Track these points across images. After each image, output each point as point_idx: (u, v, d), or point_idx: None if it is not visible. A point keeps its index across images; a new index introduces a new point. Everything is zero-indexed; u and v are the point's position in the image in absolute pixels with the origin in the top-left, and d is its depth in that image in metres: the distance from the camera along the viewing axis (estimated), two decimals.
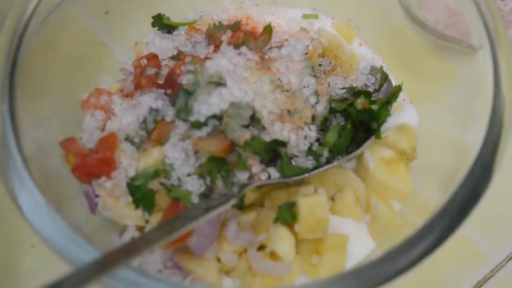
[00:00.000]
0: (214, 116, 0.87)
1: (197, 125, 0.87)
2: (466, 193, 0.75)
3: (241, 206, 0.91)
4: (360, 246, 0.96)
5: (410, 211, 0.97)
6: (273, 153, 0.92)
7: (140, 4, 1.09)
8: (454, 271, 1.04)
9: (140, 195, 0.89)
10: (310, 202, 0.90)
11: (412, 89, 1.06)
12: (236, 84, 0.88)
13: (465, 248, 1.05)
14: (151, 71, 0.96)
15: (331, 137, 0.95)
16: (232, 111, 0.87)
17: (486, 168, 0.76)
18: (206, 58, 0.95)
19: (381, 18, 1.13)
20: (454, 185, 0.76)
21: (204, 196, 0.89)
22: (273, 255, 0.90)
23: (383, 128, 0.98)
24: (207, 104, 0.87)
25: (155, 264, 0.90)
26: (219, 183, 0.89)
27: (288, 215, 0.91)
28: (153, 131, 0.92)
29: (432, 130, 1.03)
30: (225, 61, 0.91)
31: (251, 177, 0.89)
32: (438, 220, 0.73)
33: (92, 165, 0.91)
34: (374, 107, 0.96)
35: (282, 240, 0.89)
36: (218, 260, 0.92)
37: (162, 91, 0.95)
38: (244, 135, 0.87)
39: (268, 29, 1.03)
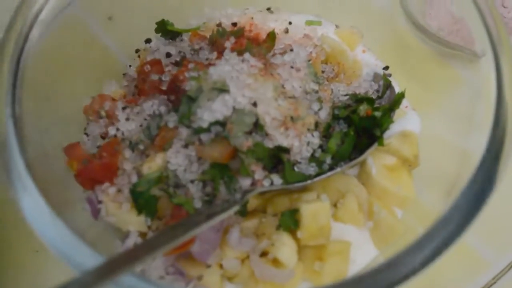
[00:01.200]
0: (217, 123, 0.87)
1: (200, 131, 0.87)
2: (469, 201, 0.75)
3: (243, 213, 0.91)
4: (363, 252, 0.96)
5: (412, 218, 0.97)
6: (276, 159, 0.92)
7: (143, 10, 1.09)
8: (457, 278, 1.03)
9: (143, 201, 0.89)
10: (313, 209, 0.90)
11: (415, 96, 1.06)
12: (239, 91, 0.88)
13: (468, 255, 1.05)
14: (154, 77, 0.96)
15: (334, 143, 0.95)
16: (235, 117, 0.87)
17: (489, 176, 0.76)
18: (210, 64, 0.95)
19: (385, 25, 1.13)
20: (456, 193, 0.76)
21: (207, 202, 0.89)
22: (276, 262, 0.89)
23: (386, 134, 0.98)
24: (210, 111, 0.87)
25: (158, 270, 0.90)
26: (222, 189, 0.89)
27: (290, 222, 0.91)
28: (156, 137, 0.92)
29: (435, 137, 1.03)
30: (228, 68, 0.91)
31: (253, 184, 0.89)
32: (441, 227, 0.73)
33: (95, 171, 0.91)
34: (377, 114, 0.96)
35: (284, 247, 0.89)
36: (221, 266, 0.92)
37: (165, 97, 0.95)
38: (247, 142, 0.87)
39: (272, 36, 1.03)
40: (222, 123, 0.87)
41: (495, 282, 1.04)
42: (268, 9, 1.17)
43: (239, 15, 1.12)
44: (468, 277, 1.04)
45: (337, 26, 1.16)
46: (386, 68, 1.12)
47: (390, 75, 1.10)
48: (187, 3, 1.13)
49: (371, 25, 1.12)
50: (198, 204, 0.88)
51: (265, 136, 0.89)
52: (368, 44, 1.15)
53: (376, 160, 0.99)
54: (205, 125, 0.87)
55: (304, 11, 1.18)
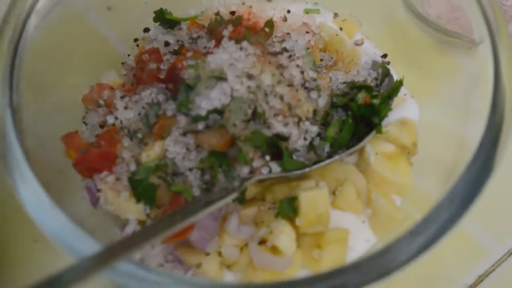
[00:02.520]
0: (215, 111, 0.87)
1: (198, 120, 0.87)
2: (467, 186, 0.75)
3: (242, 200, 0.92)
4: (361, 240, 0.97)
5: (411, 205, 0.97)
6: (275, 147, 0.92)
7: (141, 0, 1.09)
8: (455, 265, 1.04)
9: (142, 189, 0.89)
10: (311, 196, 0.90)
11: (414, 84, 1.06)
12: (237, 79, 0.88)
13: (466, 242, 1.05)
14: (152, 66, 0.96)
15: (332, 131, 0.96)
16: (233, 105, 0.87)
17: (486, 161, 0.76)
18: (208, 52, 0.95)
19: (383, 13, 1.13)
20: (455, 179, 0.77)
21: (205, 190, 0.89)
22: (274, 249, 0.90)
23: (384, 122, 0.98)
24: (208, 99, 0.87)
25: (156, 258, 0.90)
26: (220, 177, 0.89)
27: (289, 209, 0.91)
28: (154, 126, 0.92)
29: (434, 124, 1.03)
30: (226, 56, 0.91)
31: (252, 172, 0.90)
32: (439, 213, 0.74)
33: (94, 159, 0.92)
34: (375, 101, 0.96)
35: (283, 234, 0.89)
36: (220, 254, 0.92)
37: (164, 85, 0.95)
38: (245, 130, 0.87)
39: (270, 24, 1.03)
40: (220, 111, 0.87)
41: (494, 270, 1.04)
42: None
43: (237, 4, 1.12)
44: (467, 264, 1.04)
45: (335, 15, 1.16)
46: (385, 56, 1.12)
47: (388, 63, 1.10)
48: None
49: (370, 13, 1.12)
50: (196, 192, 0.88)
51: (263, 124, 0.89)
52: (367, 32, 1.15)
53: (374, 148, 1.00)
54: (203, 113, 0.87)
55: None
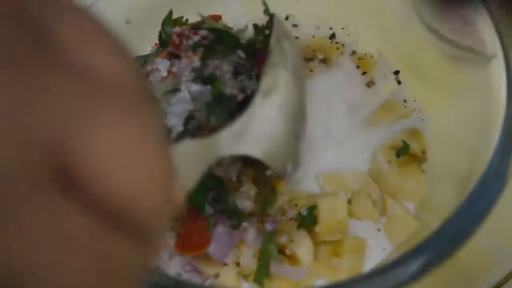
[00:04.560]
0: None
1: None
2: (481, 197, 0.76)
3: None
4: (377, 249, 0.97)
5: (425, 214, 0.98)
6: None
7: (160, 14, 1.11)
8: (467, 277, 1.04)
9: None
10: (330, 203, 0.93)
11: (427, 97, 1.07)
12: None
13: (479, 254, 1.05)
14: None
15: None
16: None
17: (499, 174, 0.77)
18: None
19: (397, 27, 1.13)
20: (468, 190, 0.78)
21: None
22: (292, 259, 0.91)
23: (394, 131, 1.03)
24: None
25: (175, 268, 0.91)
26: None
27: (310, 219, 0.93)
28: None
29: (446, 137, 1.04)
30: None
31: None
32: (451, 226, 0.75)
33: None
34: None
35: (301, 244, 0.91)
36: (237, 264, 0.93)
37: None
38: None
39: None
40: None
41: (507, 281, 1.04)
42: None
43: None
44: (479, 276, 1.04)
45: (353, 52, 1.17)
46: (397, 72, 1.13)
47: (399, 82, 1.12)
48: (204, 6, 1.14)
49: (383, 26, 1.13)
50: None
51: None
52: (380, 46, 1.16)
53: (386, 156, 1.01)
54: None
55: (314, 14, 1.19)
